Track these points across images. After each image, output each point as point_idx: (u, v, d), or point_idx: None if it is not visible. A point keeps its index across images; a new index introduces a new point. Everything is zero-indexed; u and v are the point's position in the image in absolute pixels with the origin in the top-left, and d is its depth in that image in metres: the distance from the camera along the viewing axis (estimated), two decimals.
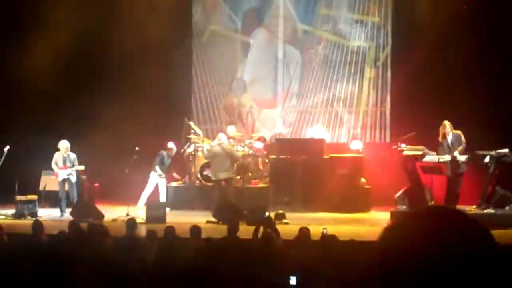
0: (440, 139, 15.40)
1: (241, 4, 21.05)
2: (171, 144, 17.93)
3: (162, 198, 17.35)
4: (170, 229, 9.56)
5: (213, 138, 18.26)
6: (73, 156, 17.23)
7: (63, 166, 17.14)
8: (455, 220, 1.68)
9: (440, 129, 15.38)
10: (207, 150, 17.34)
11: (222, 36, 21.10)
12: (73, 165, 17.16)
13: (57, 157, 17.22)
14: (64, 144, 17.23)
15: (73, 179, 17.25)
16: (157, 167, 17.43)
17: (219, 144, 16.92)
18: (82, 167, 17.28)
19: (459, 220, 1.68)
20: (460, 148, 15.17)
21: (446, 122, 15.35)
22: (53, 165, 17.27)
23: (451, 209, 1.74)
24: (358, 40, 20.20)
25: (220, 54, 21.03)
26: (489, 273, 1.61)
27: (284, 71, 20.74)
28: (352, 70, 20.16)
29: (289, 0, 20.65)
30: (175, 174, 18.49)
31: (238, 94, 20.99)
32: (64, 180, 17.16)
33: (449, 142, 15.30)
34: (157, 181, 17.54)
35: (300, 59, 20.62)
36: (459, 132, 15.32)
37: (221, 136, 17.25)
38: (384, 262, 1.66)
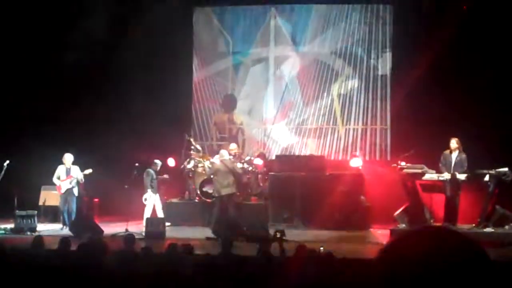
0: (446, 152, 15.41)
1: (234, 23, 21.09)
2: (156, 160, 17.84)
3: (160, 214, 17.34)
4: (173, 246, 9.51)
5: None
6: (76, 168, 17.32)
7: (67, 177, 17.25)
8: (452, 240, 1.69)
9: (451, 143, 15.38)
10: (210, 166, 17.38)
11: (215, 54, 21.15)
12: (76, 177, 17.29)
13: (60, 170, 17.38)
14: (68, 157, 17.39)
15: (75, 192, 17.35)
16: (148, 190, 17.39)
17: (222, 161, 16.92)
18: (89, 170, 17.32)
19: (456, 240, 1.70)
20: (461, 170, 15.19)
21: (457, 140, 15.37)
22: (55, 179, 17.37)
23: (448, 229, 1.75)
24: (356, 58, 20.26)
25: (213, 71, 21.10)
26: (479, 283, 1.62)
27: (275, 89, 20.80)
28: (350, 88, 20.21)
29: (281, 20, 20.71)
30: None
31: (228, 111, 21.02)
32: (66, 193, 17.22)
33: (453, 161, 15.30)
34: (153, 199, 17.49)
35: (293, 77, 20.68)
36: (465, 155, 15.32)
37: (224, 153, 17.24)
38: (382, 280, 1.67)
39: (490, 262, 1.69)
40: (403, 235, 1.76)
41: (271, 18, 20.81)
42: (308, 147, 20.35)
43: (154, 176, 17.39)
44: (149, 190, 17.29)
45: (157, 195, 17.49)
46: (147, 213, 17.14)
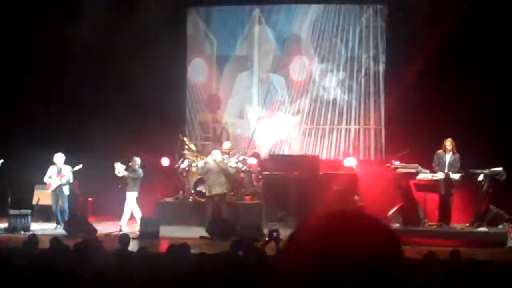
0: (440, 151, 15.41)
1: (218, 24, 21.05)
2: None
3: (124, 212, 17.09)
4: (174, 247, 9.47)
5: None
6: (67, 168, 17.29)
7: (57, 175, 17.22)
8: (355, 222, 1.67)
9: (444, 143, 15.38)
10: (202, 165, 17.38)
11: (201, 54, 21.12)
12: (67, 177, 17.25)
13: (52, 170, 17.35)
14: (59, 157, 17.34)
15: (66, 191, 17.31)
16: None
17: (214, 160, 16.97)
18: (80, 166, 17.25)
19: (360, 222, 1.67)
20: (454, 170, 15.21)
21: (451, 140, 15.37)
22: (46, 179, 17.36)
23: (352, 212, 1.71)
24: (350, 58, 20.25)
25: (199, 72, 21.07)
26: (391, 274, 1.60)
27: (261, 89, 20.77)
28: (346, 87, 20.21)
29: (265, 20, 20.70)
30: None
31: (213, 110, 21.00)
32: (56, 192, 17.19)
33: (447, 160, 15.31)
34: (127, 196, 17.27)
35: (280, 77, 20.67)
36: (458, 155, 15.33)
37: (215, 152, 17.33)
38: (288, 265, 1.66)
39: (399, 242, 1.67)
40: (308, 221, 1.72)
41: (256, 18, 20.77)
42: (292, 146, 20.31)
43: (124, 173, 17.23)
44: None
45: (129, 192, 17.12)
46: (137, 213, 17.07)
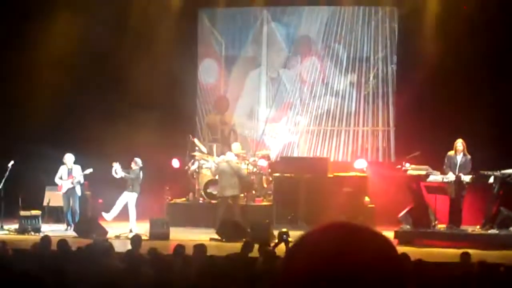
0: (450, 153, 15.36)
1: (226, 25, 21.09)
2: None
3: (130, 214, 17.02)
4: (180, 248, 9.50)
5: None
6: (78, 168, 17.29)
7: (68, 177, 17.21)
8: (355, 235, 1.66)
9: (455, 144, 15.32)
10: (215, 167, 17.39)
11: (209, 55, 21.16)
12: (78, 177, 17.24)
13: (62, 170, 17.32)
14: (69, 158, 17.32)
15: (78, 191, 17.31)
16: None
17: (227, 161, 16.97)
18: (90, 170, 17.24)
19: (359, 234, 1.67)
20: (465, 172, 15.16)
21: (462, 141, 15.32)
22: (57, 179, 17.34)
23: (351, 224, 1.70)
24: (360, 59, 20.24)
25: (207, 73, 21.10)
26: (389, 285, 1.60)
27: (270, 90, 20.77)
28: (355, 89, 20.20)
29: (274, 22, 20.70)
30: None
31: (221, 112, 21.00)
32: (68, 193, 17.18)
33: (458, 162, 15.26)
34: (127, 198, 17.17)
35: (290, 78, 20.66)
36: (469, 157, 15.28)
37: (229, 154, 17.31)
38: (288, 278, 1.66)
39: (396, 253, 1.66)
40: (309, 232, 1.71)
41: (264, 20, 20.77)
42: (300, 148, 20.29)
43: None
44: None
45: (128, 193, 16.96)
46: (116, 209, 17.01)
